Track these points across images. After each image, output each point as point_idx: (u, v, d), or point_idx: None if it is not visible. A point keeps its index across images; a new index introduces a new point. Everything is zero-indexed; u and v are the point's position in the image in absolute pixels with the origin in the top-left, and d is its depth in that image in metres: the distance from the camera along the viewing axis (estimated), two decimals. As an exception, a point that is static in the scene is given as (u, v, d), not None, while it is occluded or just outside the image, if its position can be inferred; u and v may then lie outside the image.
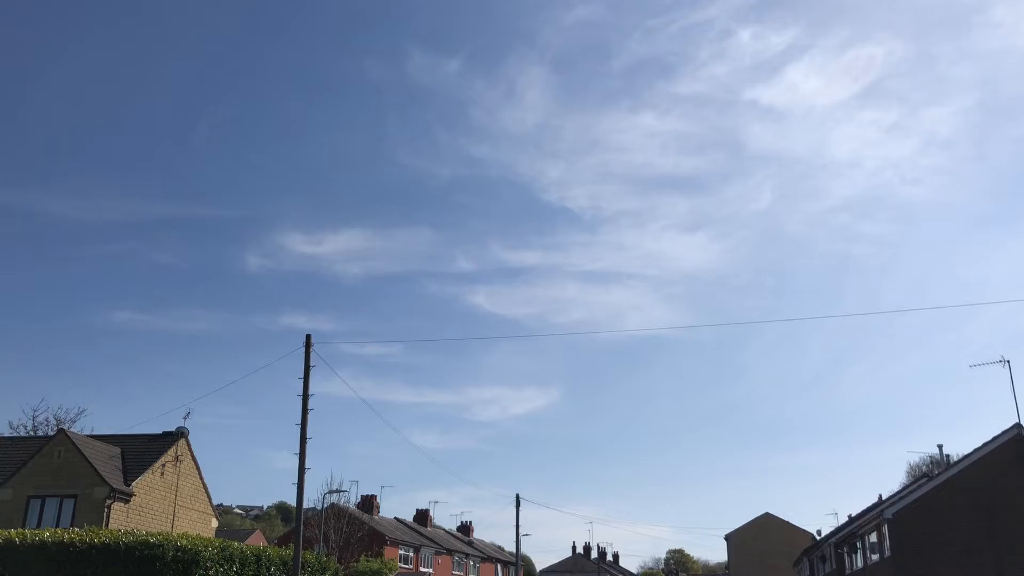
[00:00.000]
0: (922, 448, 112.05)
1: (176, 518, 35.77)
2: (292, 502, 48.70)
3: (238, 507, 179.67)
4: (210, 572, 22.04)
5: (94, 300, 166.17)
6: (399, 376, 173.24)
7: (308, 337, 27.11)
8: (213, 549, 22.59)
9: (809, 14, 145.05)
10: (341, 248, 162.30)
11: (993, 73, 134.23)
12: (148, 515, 33.68)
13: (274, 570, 25.69)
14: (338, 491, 44.20)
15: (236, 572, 23.42)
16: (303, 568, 28.00)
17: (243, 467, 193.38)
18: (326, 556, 31.47)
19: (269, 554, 25.90)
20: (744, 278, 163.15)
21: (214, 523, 39.60)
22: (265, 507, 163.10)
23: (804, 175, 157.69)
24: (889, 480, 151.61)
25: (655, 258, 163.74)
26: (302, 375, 27.58)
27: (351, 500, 51.96)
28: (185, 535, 23.33)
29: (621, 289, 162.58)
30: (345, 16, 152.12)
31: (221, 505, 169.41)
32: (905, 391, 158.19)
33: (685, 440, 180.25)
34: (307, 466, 26.85)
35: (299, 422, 27.43)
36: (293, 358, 28.72)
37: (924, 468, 67.10)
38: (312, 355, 26.95)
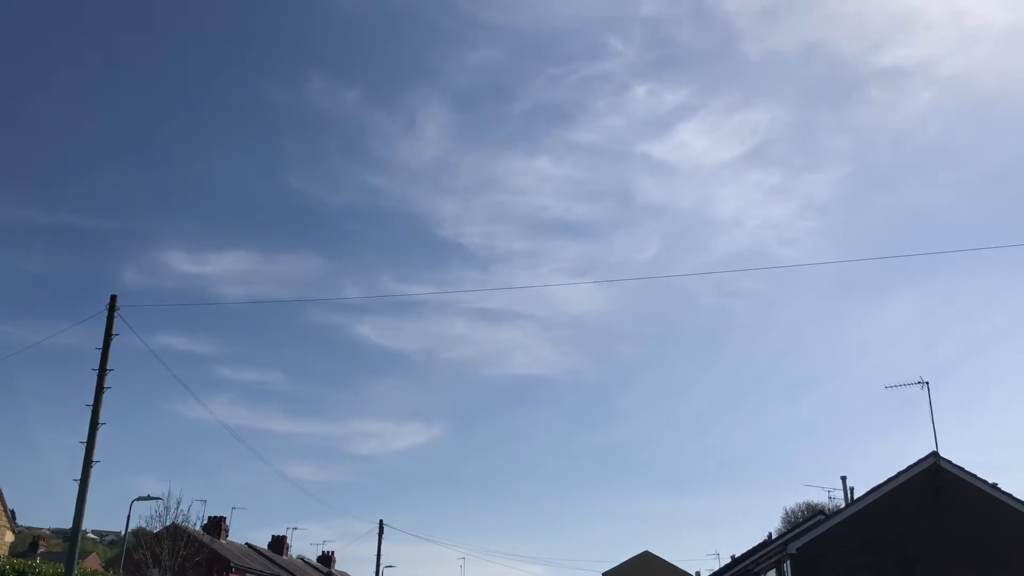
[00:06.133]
0: (825, 483, 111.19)
1: (-43, 528, 29.42)
2: (149, 526, 42.44)
3: (93, 532, 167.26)
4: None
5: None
6: (278, 405, 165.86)
7: (113, 299, 21.88)
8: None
9: (701, 77, 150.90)
10: (225, 269, 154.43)
11: (867, 146, 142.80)
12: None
13: (44, 591, 20.17)
14: (149, 498, 38.06)
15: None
16: (91, 591, 22.45)
17: (107, 492, 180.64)
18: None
19: (39, 571, 20.35)
20: (629, 325, 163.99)
21: (9, 537, 33.19)
22: (123, 532, 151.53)
23: (689, 229, 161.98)
24: (767, 524, 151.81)
25: (544, 300, 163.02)
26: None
27: (191, 519, 45.57)
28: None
29: (510, 328, 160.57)
30: (245, 35, 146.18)
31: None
32: (787, 437, 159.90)
33: (564, 479, 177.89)
34: (96, 459, 21.28)
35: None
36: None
37: (800, 514, 65.07)
38: (117, 322, 21.53)
